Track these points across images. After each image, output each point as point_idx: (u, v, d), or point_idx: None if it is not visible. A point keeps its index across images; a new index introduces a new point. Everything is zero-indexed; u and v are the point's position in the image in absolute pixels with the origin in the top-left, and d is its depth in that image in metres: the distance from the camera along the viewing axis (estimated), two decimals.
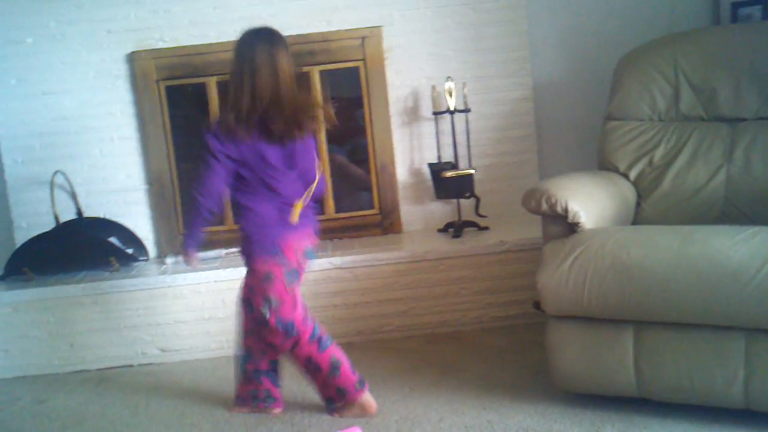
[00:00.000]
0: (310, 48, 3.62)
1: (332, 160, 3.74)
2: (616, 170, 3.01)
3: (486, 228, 3.53)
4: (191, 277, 3.28)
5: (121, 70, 3.66)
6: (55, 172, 3.59)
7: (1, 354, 3.26)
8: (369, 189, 3.75)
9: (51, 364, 3.22)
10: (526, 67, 3.67)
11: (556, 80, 3.73)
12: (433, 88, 3.58)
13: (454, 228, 3.52)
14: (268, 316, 2.47)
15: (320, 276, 3.26)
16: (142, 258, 3.63)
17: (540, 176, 3.68)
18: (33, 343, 3.24)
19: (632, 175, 2.97)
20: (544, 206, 2.55)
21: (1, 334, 3.25)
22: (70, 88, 3.62)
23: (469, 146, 3.57)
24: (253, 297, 2.52)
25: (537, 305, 2.54)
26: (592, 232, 2.45)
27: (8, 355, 3.26)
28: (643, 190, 2.94)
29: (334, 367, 2.52)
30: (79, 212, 3.63)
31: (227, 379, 2.99)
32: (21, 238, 3.58)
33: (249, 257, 2.54)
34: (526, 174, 3.68)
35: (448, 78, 3.51)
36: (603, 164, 3.08)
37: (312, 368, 2.54)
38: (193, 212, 2.52)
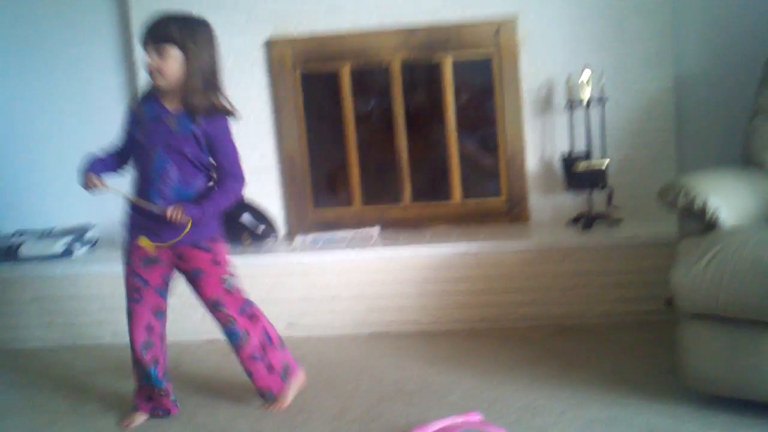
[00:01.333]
0: (442, 37, 3.62)
1: (461, 148, 3.72)
2: (762, 168, 2.85)
3: (618, 221, 3.43)
4: (319, 256, 3.35)
5: (259, 56, 3.76)
6: None
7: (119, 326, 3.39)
8: (497, 178, 3.71)
9: (184, 332, 3.34)
10: (668, 57, 3.54)
11: (700, 72, 3.58)
12: (569, 78, 3.51)
13: (584, 220, 3.44)
14: None
15: (445, 262, 3.26)
16: (272, 236, 3.73)
17: (678, 171, 3.54)
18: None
19: None
20: (682, 201, 2.46)
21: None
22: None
23: (603, 138, 3.48)
24: None
25: (669, 302, 2.45)
26: (731, 231, 2.35)
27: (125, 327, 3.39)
28: None
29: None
30: None
31: (351, 357, 3.05)
32: None
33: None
34: (663, 168, 3.55)
35: (585, 68, 3.43)
36: (748, 161, 2.92)
37: None
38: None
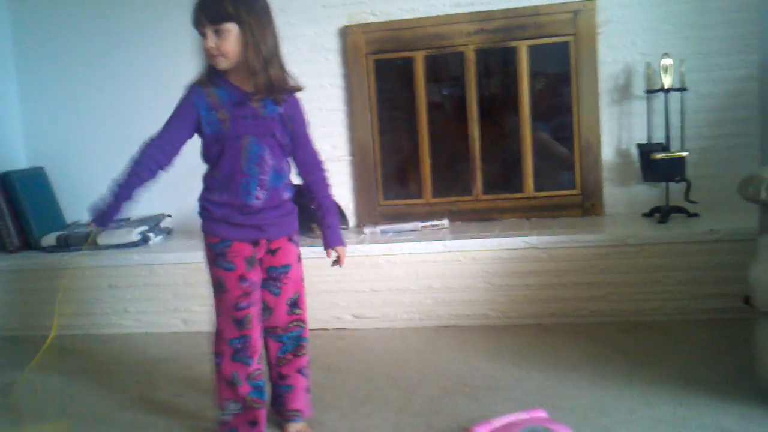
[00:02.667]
0: (519, 22, 3.56)
1: (534, 137, 3.66)
2: None
3: (695, 215, 3.32)
4: (387, 247, 3.33)
5: (333, 43, 3.78)
6: None
7: (190, 314, 3.47)
8: (571, 168, 3.63)
9: None
10: (754, 43, 3.39)
11: None
12: (648, 65, 3.40)
13: (661, 213, 3.33)
14: None
15: (515, 255, 3.21)
16: (342, 226, 3.73)
17: (761, 163, 3.40)
18: None
19: None
20: (764, 194, 2.34)
21: (197, 291, 3.35)
22: (286, 60, 3.75)
23: (683, 127, 3.36)
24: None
25: (747, 300, 2.35)
26: None
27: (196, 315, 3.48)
28: None
29: None
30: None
31: (416, 350, 3.04)
32: None
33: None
34: (746, 159, 3.41)
35: (665, 54, 3.31)
36: None
37: None
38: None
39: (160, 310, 3.54)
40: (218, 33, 2.09)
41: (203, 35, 2.12)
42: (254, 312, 2.25)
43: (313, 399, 2.57)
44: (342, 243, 2.35)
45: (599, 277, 3.15)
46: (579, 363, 2.75)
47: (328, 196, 2.35)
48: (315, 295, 3.36)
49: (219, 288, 2.24)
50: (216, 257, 2.23)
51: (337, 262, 2.37)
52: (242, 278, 2.21)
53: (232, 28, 2.10)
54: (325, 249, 2.34)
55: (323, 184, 2.34)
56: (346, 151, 3.82)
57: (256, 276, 2.25)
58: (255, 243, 2.24)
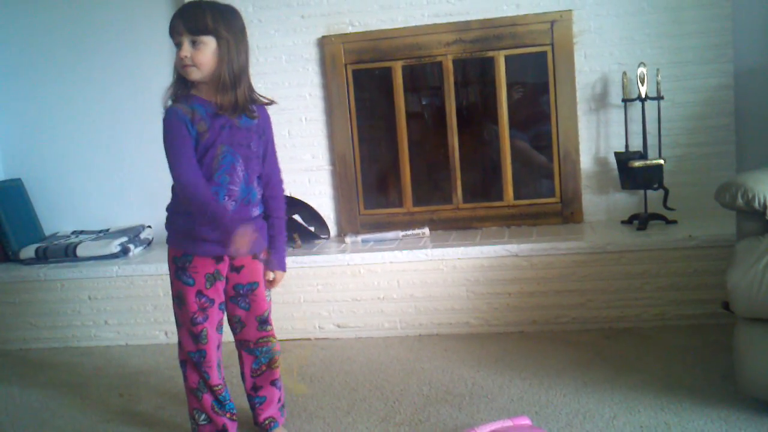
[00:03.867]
0: (496, 33, 3.58)
1: (513, 146, 3.68)
2: None
3: (674, 222, 3.35)
4: (369, 257, 3.33)
5: (312, 53, 3.78)
6: None
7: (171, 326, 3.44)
8: (550, 176, 3.65)
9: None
10: (728, 53, 3.44)
11: (761, 67, 3.46)
12: (624, 74, 3.43)
13: (639, 220, 3.36)
14: None
15: (496, 263, 3.22)
16: (323, 236, 3.74)
17: (738, 170, 3.44)
18: None
19: None
20: (740, 201, 2.38)
21: None
22: (264, 71, 3.76)
23: (660, 135, 3.39)
24: None
25: (726, 305, 2.37)
26: None
27: None
28: None
29: None
30: None
31: (399, 359, 3.04)
32: None
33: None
34: (722, 166, 3.46)
35: (641, 63, 3.35)
36: None
37: None
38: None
39: (141, 322, 3.52)
40: (195, 44, 2.11)
41: (178, 44, 2.13)
42: (211, 328, 2.27)
43: (296, 409, 2.58)
44: (284, 268, 2.38)
45: (580, 284, 3.18)
46: (561, 370, 2.77)
47: (282, 218, 2.37)
48: (297, 305, 3.39)
49: (178, 301, 2.27)
50: (177, 270, 2.24)
51: (272, 283, 2.38)
52: (199, 294, 2.23)
53: (209, 42, 2.12)
54: (266, 269, 2.36)
55: (281, 203, 2.36)
56: (327, 160, 3.82)
57: (215, 293, 2.26)
58: (218, 259, 2.24)
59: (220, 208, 2.14)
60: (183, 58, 2.11)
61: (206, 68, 2.13)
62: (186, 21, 2.11)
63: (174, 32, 2.13)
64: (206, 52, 2.11)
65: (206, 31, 2.11)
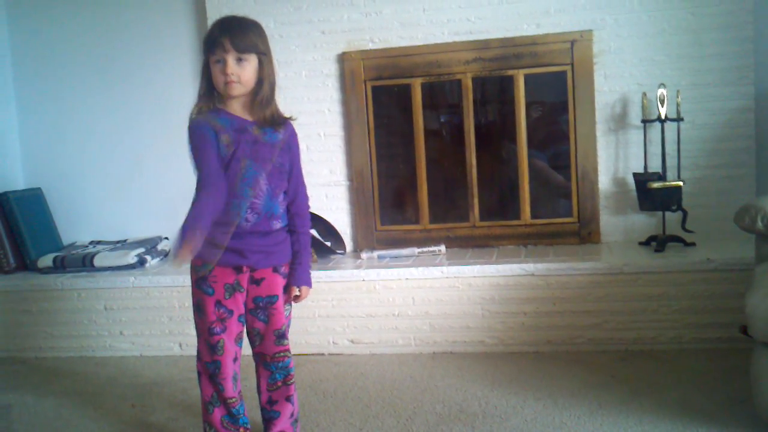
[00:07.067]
0: (516, 51, 3.59)
1: (531, 165, 3.67)
2: None
3: (692, 244, 3.33)
4: (384, 273, 3.33)
5: (332, 69, 3.80)
6: None
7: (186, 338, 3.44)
8: (568, 196, 3.64)
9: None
10: (749, 75, 3.42)
11: None
12: (644, 95, 3.42)
13: (657, 242, 3.34)
14: None
15: (512, 282, 3.21)
16: (339, 251, 3.74)
17: (757, 193, 3.42)
18: None
19: None
20: (759, 224, 2.36)
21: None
22: (285, 85, 3.77)
23: (679, 157, 3.38)
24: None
25: (744, 330, 2.35)
26: None
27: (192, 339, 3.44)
28: None
29: None
30: None
31: (413, 376, 3.02)
32: None
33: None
34: (742, 189, 3.43)
35: (661, 85, 3.34)
36: None
37: None
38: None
39: (156, 333, 3.53)
40: (239, 61, 2.13)
41: (221, 60, 2.13)
42: (228, 339, 2.26)
43: (308, 424, 2.58)
44: (309, 284, 2.38)
45: (596, 305, 3.15)
46: (576, 391, 2.75)
47: (307, 233, 2.37)
48: (311, 320, 3.38)
49: (198, 310, 2.27)
50: (198, 279, 2.25)
51: (298, 298, 2.38)
52: (218, 304, 2.24)
53: (252, 59, 2.15)
54: (291, 284, 2.35)
55: (306, 220, 2.36)
56: (344, 176, 3.83)
57: (235, 304, 2.26)
58: (238, 270, 2.24)
59: (200, 216, 2.08)
60: (230, 75, 2.12)
61: (249, 85, 2.17)
62: (234, 38, 2.12)
63: (219, 49, 2.13)
64: (250, 70, 2.15)
65: (254, 50, 2.15)
